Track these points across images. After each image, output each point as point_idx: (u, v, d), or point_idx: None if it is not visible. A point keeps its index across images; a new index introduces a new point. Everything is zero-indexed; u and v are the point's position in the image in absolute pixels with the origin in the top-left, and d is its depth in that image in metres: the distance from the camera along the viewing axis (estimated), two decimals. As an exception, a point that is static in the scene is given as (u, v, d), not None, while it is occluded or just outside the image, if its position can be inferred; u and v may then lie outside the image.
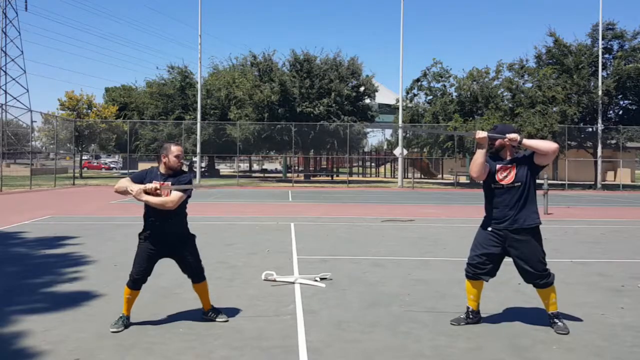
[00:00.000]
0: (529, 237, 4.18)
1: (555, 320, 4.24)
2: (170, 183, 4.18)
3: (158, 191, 4.13)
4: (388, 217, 12.79)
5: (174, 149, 4.26)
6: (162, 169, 4.28)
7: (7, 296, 5.19)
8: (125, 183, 4.17)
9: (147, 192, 4.11)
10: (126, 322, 4.25)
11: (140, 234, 4.31)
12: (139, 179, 4.22)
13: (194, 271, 4.38)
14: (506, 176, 4.24)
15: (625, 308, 4.93)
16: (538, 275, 4.17)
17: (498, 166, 4.29)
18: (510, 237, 4.21)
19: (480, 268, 4.30)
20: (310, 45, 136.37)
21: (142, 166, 59.51)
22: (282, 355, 3.68)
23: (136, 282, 4.25)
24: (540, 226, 4.23)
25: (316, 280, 5.82)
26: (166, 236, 4.25)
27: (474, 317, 4.42)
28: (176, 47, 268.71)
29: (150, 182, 4.17)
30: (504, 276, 6.17)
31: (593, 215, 14.38)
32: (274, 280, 5.85)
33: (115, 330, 4.14)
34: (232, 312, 4.67)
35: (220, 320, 4.42)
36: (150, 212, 4.22)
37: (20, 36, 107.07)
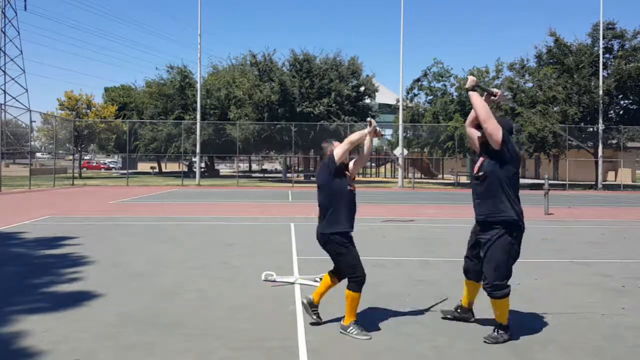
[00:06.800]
0: (490, 236, 3.98)
1: (495, 328, 4.01)
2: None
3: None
4: (388, 217, 12.78)
5: (337, 143, 4.27)
6: None
7: (6, 296, 5.18)
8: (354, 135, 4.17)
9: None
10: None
11: (345, 235, 4.13)
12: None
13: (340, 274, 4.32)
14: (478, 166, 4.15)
15: (625, 308, 4.92)
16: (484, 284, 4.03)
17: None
18: (478, 231, 4.15)
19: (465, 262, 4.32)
20: (310, 45, 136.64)
21: (142, 166, 59.57)
22: (282, 356, 3.67)
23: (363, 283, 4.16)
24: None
25: (316, 281, 5.80)
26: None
27: (461, 312, 4.42)
28: (176, 47, 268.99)
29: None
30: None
31: (594, 216, 14.36)
32: (274, 281, 5.84)
33: (365, 337, 3.97)
34: (232, 312, 4.67)
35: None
36: (351, 209, 4.18)
37: (19, 36, 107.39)
